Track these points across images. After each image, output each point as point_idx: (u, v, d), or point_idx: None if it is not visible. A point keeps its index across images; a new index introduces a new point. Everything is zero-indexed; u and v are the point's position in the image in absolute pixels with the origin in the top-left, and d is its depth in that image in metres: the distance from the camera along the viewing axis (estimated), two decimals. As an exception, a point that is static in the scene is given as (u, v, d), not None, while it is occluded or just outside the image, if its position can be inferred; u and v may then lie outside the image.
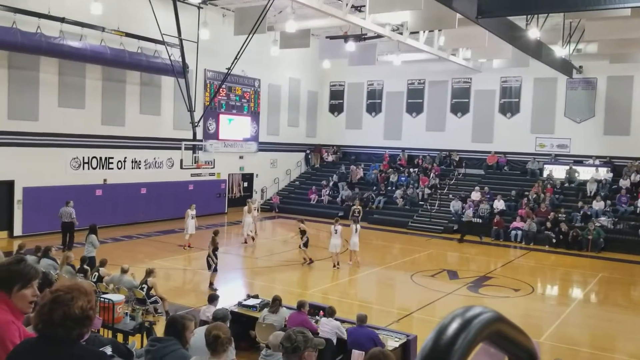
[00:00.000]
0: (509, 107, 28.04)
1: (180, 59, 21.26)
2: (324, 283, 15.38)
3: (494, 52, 22.24)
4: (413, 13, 17.66)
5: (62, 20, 18.87)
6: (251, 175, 29.23)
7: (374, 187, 28.34)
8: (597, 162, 25.44)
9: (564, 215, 22.59)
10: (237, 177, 28.63)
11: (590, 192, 24.00)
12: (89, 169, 21.32)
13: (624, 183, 23.73)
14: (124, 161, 22.53)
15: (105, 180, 21.90)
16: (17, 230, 19.34)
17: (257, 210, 22.80)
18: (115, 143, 22.06)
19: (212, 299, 9.77)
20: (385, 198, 27.29)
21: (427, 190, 26.91)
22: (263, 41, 23.56)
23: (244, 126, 28.29)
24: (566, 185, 25.29)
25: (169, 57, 20.57)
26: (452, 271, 17.12)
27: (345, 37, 22.91)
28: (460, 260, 19.95)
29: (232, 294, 12.77)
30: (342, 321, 9.13)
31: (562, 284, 17.64)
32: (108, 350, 4.68)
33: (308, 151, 32.76)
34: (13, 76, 18.76)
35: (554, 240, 21.48)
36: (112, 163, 22.08)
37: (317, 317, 9.33)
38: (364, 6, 17.37)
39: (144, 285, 11.18)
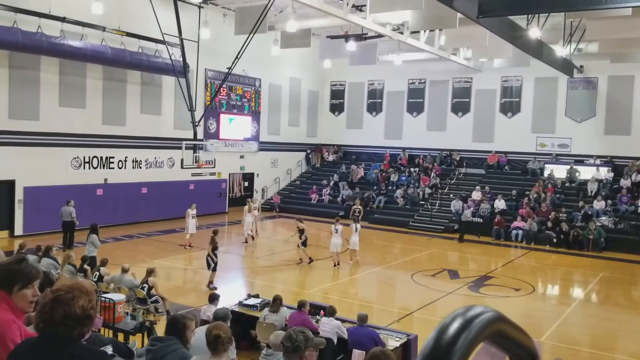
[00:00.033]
0: (510, 106, 28.03)
1: (181, 59, 21.27)
2: (324, 282, 15.38)
3: (495, 51, 22.24)
4: (414, 12, 17.66)
5: (62, 19, 18.88)
6: (252, 174, 29.24)
7: (375, 187, 28.34)
8: (598, 161, 25.43)
9: (565, 215, 22.58)
10: (238, 177, 28.64)
11: (591, 192, 24.00)
12: (89, 168, 21.33)
13: (625, 183, 23.72)
14: (125, 161, 22.54)
15: (106, 179, 21.90)
16: (18, 229, 19.35)
17: (258, 209, 22.81)
18: (116, 143, 22.07)
19: (213, 298, 9.77)
20: (385, 198, 27.29)
21: (427, 190, 26.90)
22: (264, 41, 23.57)
23: (244, 126, 28.29)
24: (567, 184, 25.28)
25: (170, 56, 20.58)
26: (453, 271, 17.11)
27: (346, 37, 22.90)
28: (461, 259, 19.95)
29: (232, 293, 12.76)
30: (343, 321, 9.13)
31: (562, 283, 17.64)
32: (109, 349, 4.68)
33: (309, 151, 32.77)
34: (14, 76, 18.77)
35: (555, 240, 21.47)
36: (112, 163, 22.09)
37: (318, 317, 9.33)
38: (365, 6, 17.36)
39: (144, 285, 11.18)
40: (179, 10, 20.13)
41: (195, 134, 22.01)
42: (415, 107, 30.55)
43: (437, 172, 28.01)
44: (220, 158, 25.66)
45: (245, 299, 10.45)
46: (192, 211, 18.95)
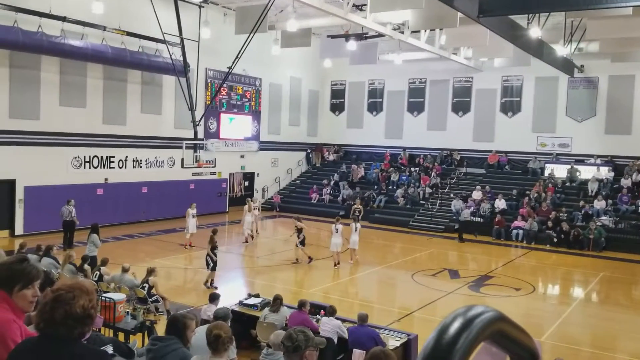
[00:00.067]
0: (510, 106, 28.02)
1: (181, 58, 21.27)
2: (325, 282, 15.38)
3: (495, 51, 22.24)
4: (414, 12, 17.65)
5: (63, 19, 18.88)
6: (252, 174, 29.24)
7: (375, 186, 28.33)
8: (598, 161, 25.43)
9: (565, 215, 22.58)
10: (238, 176, 28.65)
11: (592, 192, 23.99)
12: (90, 168, 21.34)
13: (625, 182, 23.71)
14: (125, 160, 22.55)
15: (106, 179, 21.91)
16: (19, 229, 19.36)
17: (258, 209, 22.81)
18: (117, 142, 22.07)
19: (213, 298, 9.78)
20: (386, 197, 27.28)
21: (428, 190, 26.90)
22: (264, 40, 23.56)
23: (245, 125, 28.29)
24: (567, 184, 25.28)
25: (170, 56, 20.59)
26: (453, 270, 17.11)
27: (347, 36, 22.88)
28: (461, 259, 19.95)
29: (233, 293, 12.77)
30: (343, 320, 9.13)
31: (563, 283, 17.64)
32: (109, 349, 4.68)
33: (309, 150, 32.77)
34: (14, 75, 18.78)
35: (555, 240, 21.46)
36: (113, 162, 22.09)
37: (318, 316, 9.33)
38: (365, 5, 17.35)
39: (145, 284, 11.19)
40: (179, 10, 20.13)
41: (195, 133, 22.01)
42: (415, 107, 30.54)
43: (437, 172, 28.01)
44: (221, 157, 25.66)
45: (246, 299, 10.46)
46: (192, 211, 18.95)
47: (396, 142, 30.74)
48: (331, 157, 32.46)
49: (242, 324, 9.41)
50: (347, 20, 18.45)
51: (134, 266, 12.82)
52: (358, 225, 17.36)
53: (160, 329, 8.25)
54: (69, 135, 20.41)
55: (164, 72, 22.39)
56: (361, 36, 22.85)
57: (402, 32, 20.61)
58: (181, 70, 21.33)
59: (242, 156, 28.28)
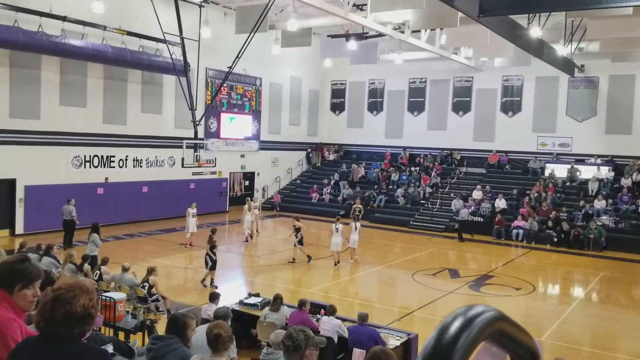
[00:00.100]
0: (511, 105, 28.02)
1: (181, 58, 21.27)
2: (325, 281, 15.39)
3: (496, 50, 22.22)
4: (415, 12, 17.65)
5: (63, 19, 18.87)
6: (252, 173, 29.24)
7: (375, 186, 28.33)
8: (598, 161, 25.43)
9: (566, 214, 22.57)
10: (239, 176, 28.65)
11: (592, 191, 23.99)
12: (90, 167, 21.34)
13: (626, 182, 23.71)
14: (126, 160, 22.55)
15: (106, 178, 21.91)
16: (19, 228, 19.37)
17: (258, 209, 22.81)
18: (117, 141, 22.07)
19: (214, 297, 9.78)
20: (386, 197, 27.28)
21: (428, 189, 26.90)
22: (264, 40, 23.56)
23: (245, 125, 28.29)
24: (568, 184, 25.27)
25: (171, 55, 20.59)
26: (454, 270, 17.11)
27: (347, 36, 22.88)
28: (461, 259, 19.95)
29: (233, 292, 12.78)
30: (343, 320, 9.13)
31: (563, 282, 17.64)
32: (109, 348, 4.68)
33: (309, 150, 32.77)
34: (15, 75, 18.78)
35: (556, 239, 21.46)
36: (113, 161, 22.10)
37: (318, 316, 9.34)
38: (366, 5, 17.35)
39: (145, 284, 11.19)
40: (179, 9, 20.12)
41: (196, 133, 22.01)
42: (416, 106, 30.54)
43: (437, 172, 28.00)
44: (221, 157, 25.67)
45: (246, 298, 10.47)
46: (192, 210, 18.96)
47: (396, 141, 30.74)
48: (331, 157, 32.46)
49: (243, 323, 9.41)
50: (347, 20, 18.44)
51: (134, 265, 12.83)
52: (358, 224, 17.35)
53: (161, 328, 8.26)
54: (69, 135, 20.41)
55: (164, 72, 22.39)
56: (361, 36, 22.85)
57: (403, 32, 20.60)
58: (181, 69, 21.32)
59: (242, 156, 28.28)
